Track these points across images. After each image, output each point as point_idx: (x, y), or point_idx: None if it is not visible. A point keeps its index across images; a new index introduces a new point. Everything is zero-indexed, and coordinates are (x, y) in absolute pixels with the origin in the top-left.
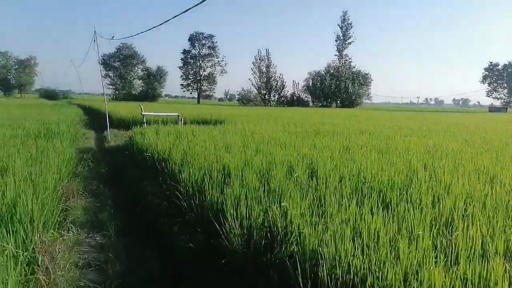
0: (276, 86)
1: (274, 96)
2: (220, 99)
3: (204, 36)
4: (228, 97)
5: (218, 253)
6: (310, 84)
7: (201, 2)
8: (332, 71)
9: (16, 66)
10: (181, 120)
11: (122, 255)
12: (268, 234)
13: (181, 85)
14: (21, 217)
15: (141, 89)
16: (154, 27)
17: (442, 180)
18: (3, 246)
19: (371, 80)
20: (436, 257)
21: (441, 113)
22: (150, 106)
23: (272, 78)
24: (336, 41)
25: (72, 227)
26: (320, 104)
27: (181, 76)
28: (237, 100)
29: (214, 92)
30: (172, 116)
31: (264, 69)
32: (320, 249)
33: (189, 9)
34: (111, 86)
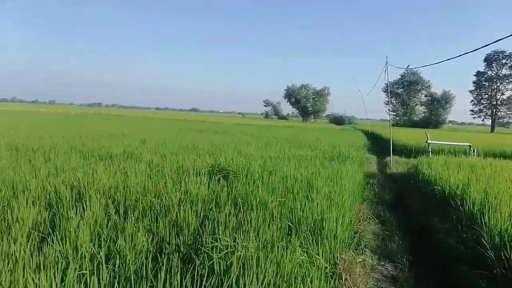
0: None
1: None
2: None
3: (505, 55)
4: None
5: None
6: None
7: None
8: None
9: (313, 96)
10: (473, 151)
11: None
12: None
13: (471, 110)
14: (327, 233)
15: (423, 115)
16: (458, 56)
17: None
18: (315, 257)
19: None
20: None
21: None
22: (434, 133)
23: None
24: None
25: (366, 251)
26: None
27: (472, 101)
28: None
29: None
30: (461, 146)
31: None
32: None
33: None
34: (392, 113)
